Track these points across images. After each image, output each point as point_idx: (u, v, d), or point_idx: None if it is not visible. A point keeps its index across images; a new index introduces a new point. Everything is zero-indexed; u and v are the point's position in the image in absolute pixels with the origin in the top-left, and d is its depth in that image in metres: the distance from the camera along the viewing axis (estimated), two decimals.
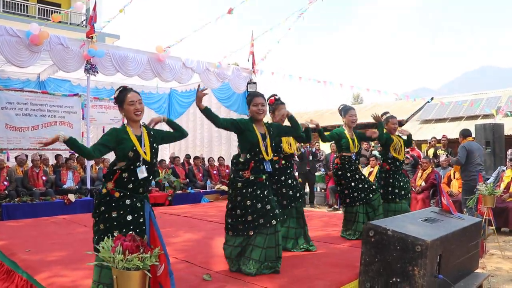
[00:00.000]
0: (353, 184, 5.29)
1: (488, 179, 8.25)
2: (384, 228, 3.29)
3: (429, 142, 11.52)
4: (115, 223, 3.00)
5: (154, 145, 3.28)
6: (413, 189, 8.78)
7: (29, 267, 3.88)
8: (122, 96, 3.24)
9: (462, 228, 3.74)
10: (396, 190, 5.71)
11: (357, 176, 5.34)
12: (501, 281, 4.84)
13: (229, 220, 3.83)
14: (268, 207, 3.80)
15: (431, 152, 10.97)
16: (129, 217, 3.02)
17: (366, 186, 5.34)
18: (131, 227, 3.00)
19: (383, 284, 3.24)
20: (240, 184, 3.78)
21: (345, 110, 5.48)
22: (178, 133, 3.61)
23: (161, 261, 2.06)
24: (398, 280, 3.17)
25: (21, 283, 3.87)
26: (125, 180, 3.07)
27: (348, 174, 5.31)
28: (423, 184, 8.73)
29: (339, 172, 5.38)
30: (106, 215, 3.03)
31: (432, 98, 12.83)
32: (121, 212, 3.03)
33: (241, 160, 3.83)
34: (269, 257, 3.74)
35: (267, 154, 3.85)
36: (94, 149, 3.06)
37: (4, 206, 7.43)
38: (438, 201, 4.70)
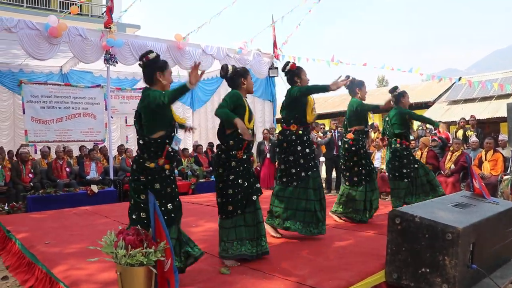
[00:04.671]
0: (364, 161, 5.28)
1: None
2: (411, 215, 3.10)
3: (458, 123, 11.11)
4: (168, 197, 3.10)
5: None
6: (442, 172, 8.49)
7: (47, 260, 3.84)
8: (164, 64, 3.27)
9: (497, 213, 3.50)
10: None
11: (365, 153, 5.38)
12: None
13: (220, 201, 3.74)
14: (251, 183, 3.77)
15: (460, 133, 10.58)
16: (176, 189, 3.18)
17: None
18: (177, 198, 3.19)
19: (411, 275, 3.05)
20: (234, 163, 3.68)
21: (360, 84, 5.36)
22: None
23: (167, 256, 1.93)
24: (428, 270, 2.97)
25: (41, 276, 3.84)
26: (172, 154, 3.13)
27: (362, 151, 5.29)
28: (452, 166, 8.39)
29: (353, 148, 5.26)
30: (163, 192, 3.07)
31: (460, 78, 12.38)
32: (173, 185, 3.16)
33: (231, 140, 3.72)
34: (258, 234, 3.74)
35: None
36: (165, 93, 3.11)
37: (29, 198, 7.48)
38: (470, 185, 4.44)
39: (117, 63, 9.10)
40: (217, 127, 12.98)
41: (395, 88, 5.70)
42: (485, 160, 8.19)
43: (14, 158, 9.34)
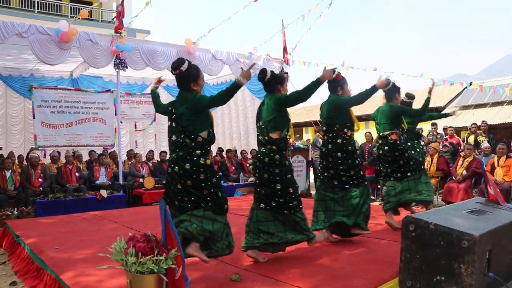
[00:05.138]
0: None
1: None
2: (426, 222, 3.03)
3: (469, 129, 10.98)
4: (221, 187, 3.53)
5: None
6: (454, 178, 8.38)
7: (56, 266, 3.81)
8: (197, 72, 3.41)
9: None
10: None
11: None
12: None
13: (283, 201, 3.78)
14: None
15: (471, 139, 10.44)
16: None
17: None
18: None
19: (426, 283, 2.98)
20: (287, 162, 3.81)
21: (399, 89, 5.44)
22: None
23: (178, 263, 1.88)
24: (443, 278, 2.90)
25: (49, 281, 3.81)
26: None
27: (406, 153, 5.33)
28: (464, 172, 8.28)
29: (399, 147, 5.24)
30: (219, 183, 3.48)
31: (470, 83, 12.28)
32: None
33: (281, 138, 3.77)
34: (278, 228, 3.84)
35: None
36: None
37: (38, 202, 7.49)
38: (483, 191, 4.36)
39: (127, 67, 9.13)
40: (226, 132, 12.96)
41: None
42: (498, 166, 8.07)
43: (24, 162, 9.39)
